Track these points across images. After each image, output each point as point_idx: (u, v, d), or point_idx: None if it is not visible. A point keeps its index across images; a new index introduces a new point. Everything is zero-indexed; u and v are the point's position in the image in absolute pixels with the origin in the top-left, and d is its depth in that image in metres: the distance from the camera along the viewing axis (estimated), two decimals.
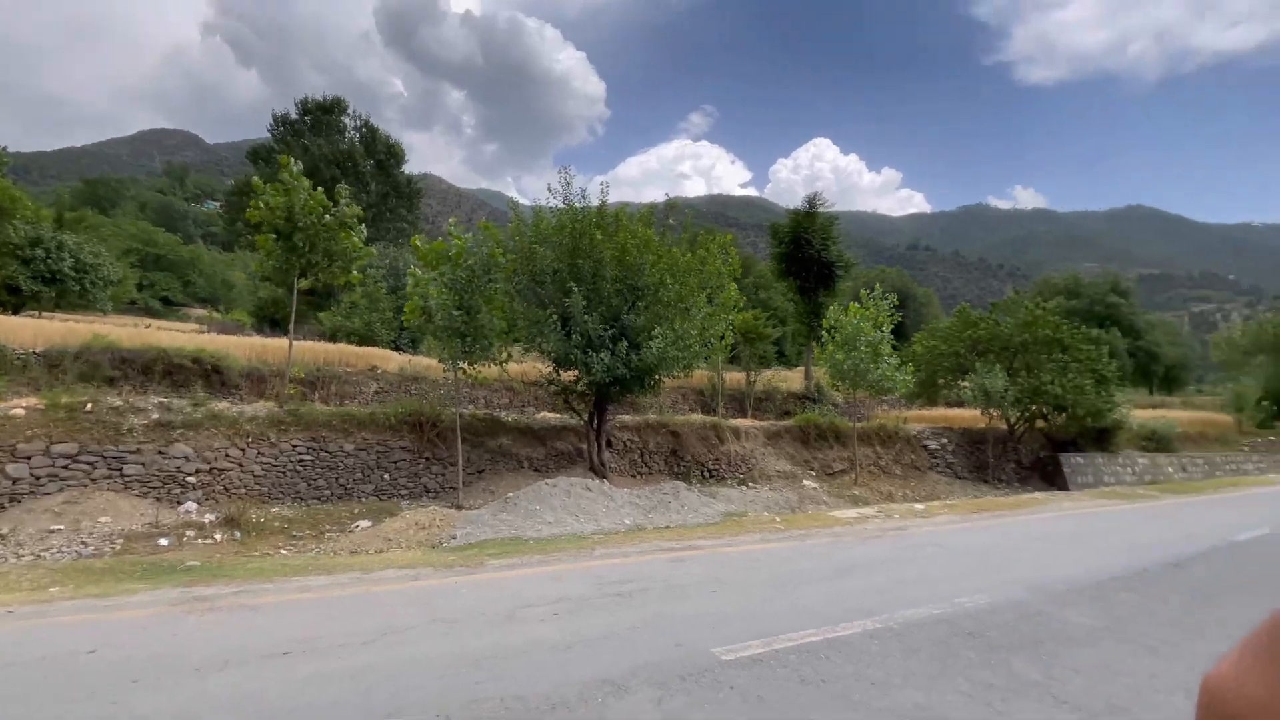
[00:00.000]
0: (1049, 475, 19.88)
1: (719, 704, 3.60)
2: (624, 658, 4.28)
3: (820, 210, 28.08)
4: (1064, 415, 19.18)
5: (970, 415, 21.07)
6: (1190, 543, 9.20)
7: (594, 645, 4.53)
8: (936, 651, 4.48)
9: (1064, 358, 18.95)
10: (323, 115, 50.10)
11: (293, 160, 11.99)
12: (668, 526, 10.46)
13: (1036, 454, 20.55)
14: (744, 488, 15.95)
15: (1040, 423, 20.03)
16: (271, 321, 34.69)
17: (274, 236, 11.75)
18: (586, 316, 11.62)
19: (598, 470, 13.58)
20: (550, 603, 5.56)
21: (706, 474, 16.47)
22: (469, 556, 7.70)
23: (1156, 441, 23.75)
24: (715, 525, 10.18)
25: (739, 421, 18.97)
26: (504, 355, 12.97)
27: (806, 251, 27.66)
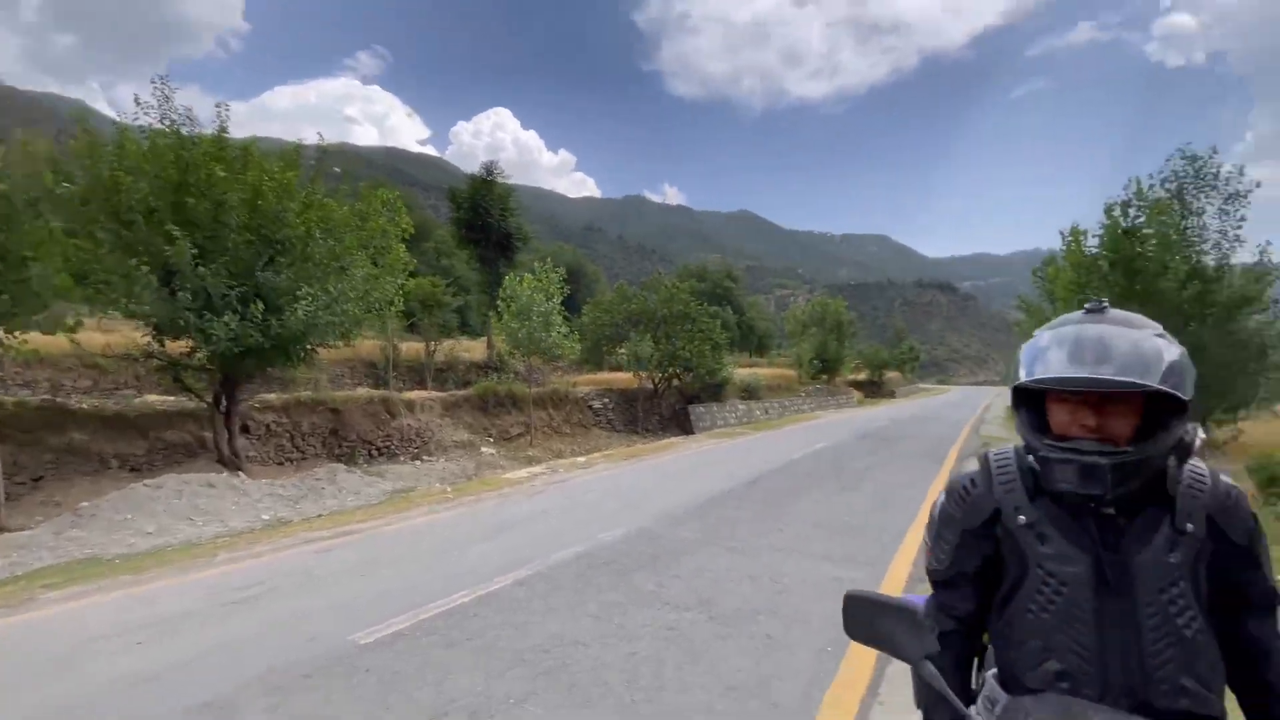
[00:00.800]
0: (682, 423, 24.15)
1: (349, 691, 3.34)
2: (237, 671, 3.64)
3: (498, 180, 28.10)
4: (691, 374, 23.48)
5: (626, 377, 24.10)
6: (765, 464, 12.23)
7: (195, 666, 3.74)
8: (576, 585, 4.99)
9: (692, 328, 23.13)
10: None
11: None
12: (320, 515, 9.32)
13: (674, 406, 24.73)
14: (418, 462, 15.29)
15: (676, 381, 24.12)
16: None
17: None
18: (203, 269, 9.36)
19: (229, 462, 11.30)
20: (135, 629, 4.39)
21: (376, 452, 15.27)
22: (8, 595, 5.58)
23: (750, 392, 30.87)
24: (378, 505, 9.48)
25: (415, 394, 18.03)
26: (72, 319, 9.64)
27: (485, 220, 27.44)
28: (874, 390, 50.85)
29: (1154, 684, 1.06)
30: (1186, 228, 12.81)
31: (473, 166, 30.97)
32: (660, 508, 8.01)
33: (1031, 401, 1.19)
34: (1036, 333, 1.18)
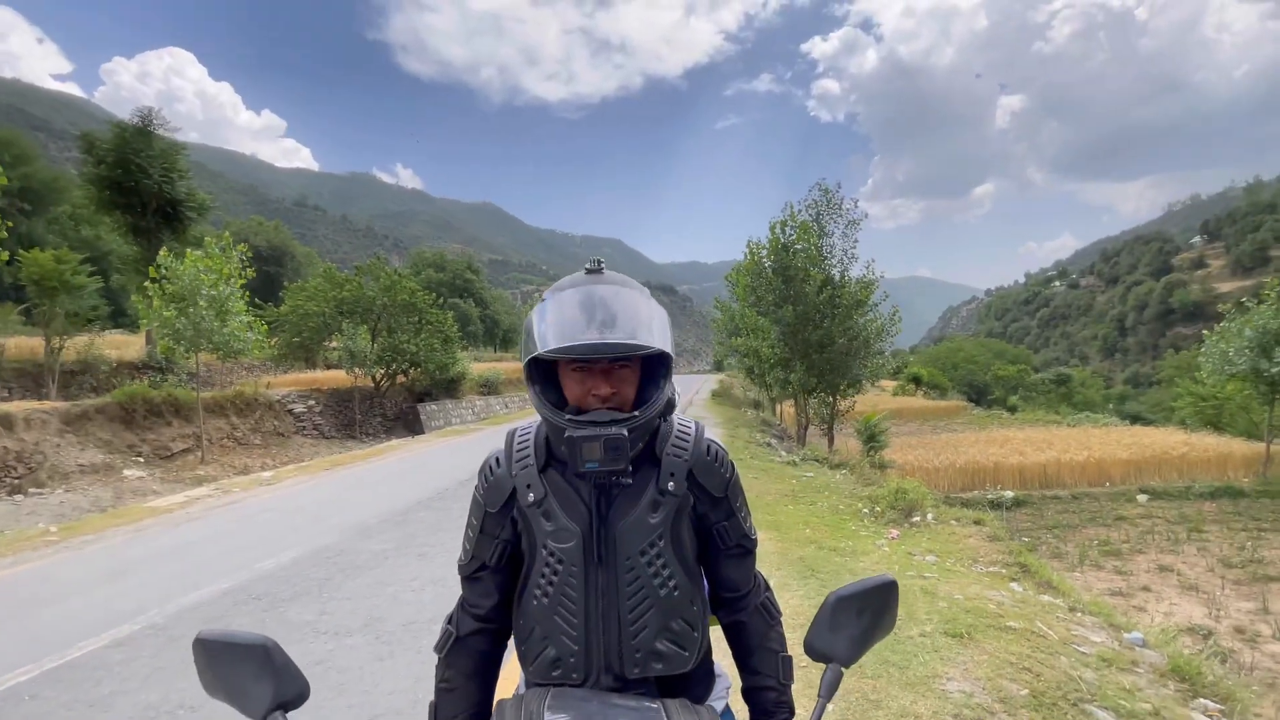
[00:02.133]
0: (410, 423, 22.46)
1: None
2: None
3: (159, 132, 22.37)
4: (419, 370, 21.96)
5: (342, 376, 21.47)
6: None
7: None
8: None
9: (419, 320, 21.61)
10: None
11: None
12: None
13: (400, 406, 22.86)
14: (19, 497, 11.39)
15: (401, 378, 22.31)
16: None
17: None
18: None
19: None
20: None
21: None
22: None
23: (490, 387, 30.29)
24: None
25: (14, 405, 13.39)
26: None
27: (141, 181, 21.60)
28: None
29: (629, 654, 1.05)
30: (822, 245, 16.28)
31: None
32: (351, 521, 7.15)
33: (546, 375, 1.10)
34: (546, 295, 1.08)
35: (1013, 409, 48.57)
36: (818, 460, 13.47)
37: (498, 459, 1.14)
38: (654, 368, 1.09)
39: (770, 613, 1.19)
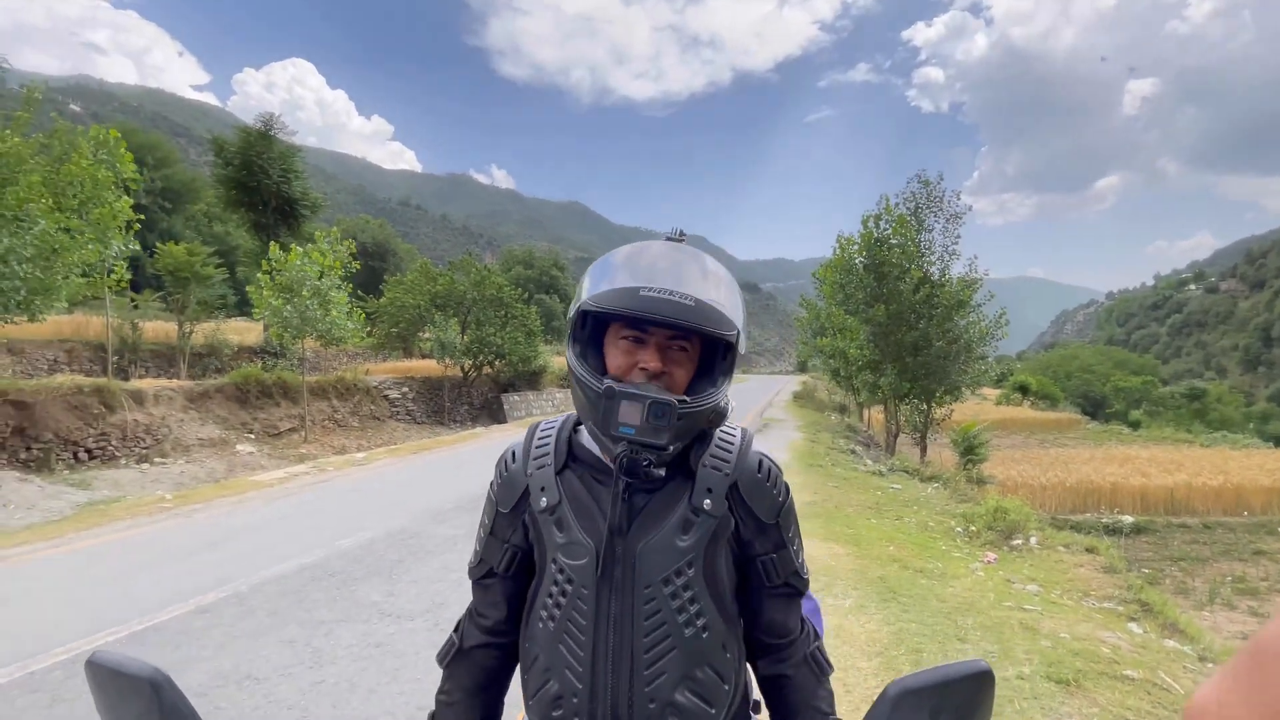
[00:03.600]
0: (494, 412, 23.26)
1: None
2: None
3: (280, 136, 24.40)
4: (503, 362, 22.71)
5: (434, 365, 22.56)
6: None
7: None
8: (280, 604, 4.23)
9: (505, 314, 22.33)
10: None
11: None
12: None
13: (486, 395, 23.71)
14: (145, 466, 12.66)
15: (488, 369, 23.14)
16: None
17: None
18: None
19: None
20: None
21: (85, 455, 12.33)
22: None
23: (566, 379, 30.90)
24: (57, 523, 7.50)
25: (146, 383, 14.95)
26: None
27: (262, 181, 23.70)
28: None
29: (640, 703, 0.88)
30: (920, 240, 15.21)
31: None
32: (428, 504, 7.36)
33: (591, 339, 0.96)
34: (615, 252, 0.95)
35: (1135, 425, 43.84)
36: (907, 471, 12.60)
37: (514, 453, 1.02)
38: (713, 362, 0.94)
39: (821, 667, 1.00)
